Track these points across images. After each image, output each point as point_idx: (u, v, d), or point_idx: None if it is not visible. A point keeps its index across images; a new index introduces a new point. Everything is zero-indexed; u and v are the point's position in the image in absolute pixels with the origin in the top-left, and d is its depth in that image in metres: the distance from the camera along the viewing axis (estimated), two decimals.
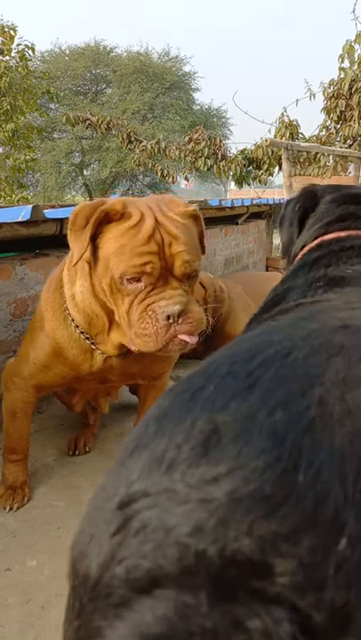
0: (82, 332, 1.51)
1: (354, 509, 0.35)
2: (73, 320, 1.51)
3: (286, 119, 7.33)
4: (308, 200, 1.34)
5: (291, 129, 7.31)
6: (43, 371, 1.61)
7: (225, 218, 4.91)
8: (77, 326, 1.51)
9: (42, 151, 18.89)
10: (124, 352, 1.52)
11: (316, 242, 1.18)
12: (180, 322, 1.30)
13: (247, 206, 5.37)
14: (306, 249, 1.19)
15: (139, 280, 1.29)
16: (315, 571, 0.33)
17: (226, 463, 0.37)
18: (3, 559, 1.45)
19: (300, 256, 1.19)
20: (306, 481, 0.35)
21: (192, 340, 1.32)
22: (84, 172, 21.69)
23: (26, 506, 1.70)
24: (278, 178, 7.45)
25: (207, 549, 0.34)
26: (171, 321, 1.29)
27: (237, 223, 5.15)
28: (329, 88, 7.45)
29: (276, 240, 8.34)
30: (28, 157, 10.51)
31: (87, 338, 1.52)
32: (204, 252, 1.52)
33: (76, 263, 1.34)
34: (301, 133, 7.45)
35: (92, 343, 1.52)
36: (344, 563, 0.33)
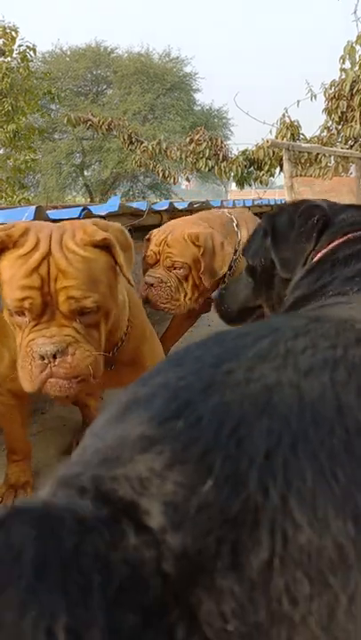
0: None
1: (223, 453, 0.36)
2: None
3: (287, 120, 7.35)
4: (324, 215, 1.26)
5: (292, 130, 7.32)
6: (12, 379, 1.50)
7: None
8: None
9: (43, 152, 18.91)
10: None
11: (344, 238, 1.14)
12: (55, 363, 1.22)
13: (248, 207, 5.38)
14: (334, 244, 1.15)
15: (24, 314, 1.24)
16: (177, 510, 0.34)
17: (129, 419, 0.41)
18: None
19: (321, 255, 1.14)
20: (184, 426, 0.38)
21: (69, 385, 1.24)
22: (85, 173, 21.72)
23: None
24: (279, 179, 7.47)
25: (86, 486, 0.36)
26: (46, 361, 1.22)
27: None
28: (330, 89, 7.46)
29: None
30: (28, 158, 10.52)
31: None
32: (130, 283, 1.42)
33: None
34: (303, 134, 7.47)
35: None
36: (206, 507, 0.34)
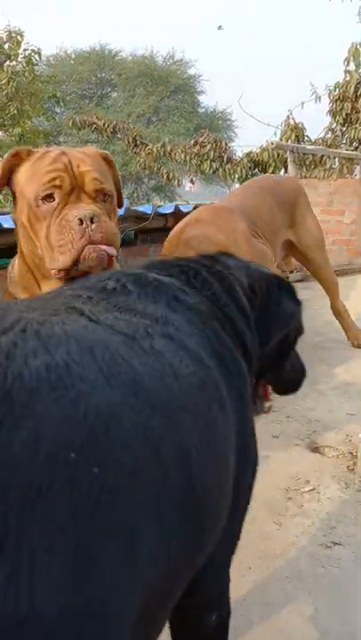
0: None
1: None
2: (14, 296, 1.54)
3: (292, 122, 7.35)
4: None
5: (296, 132, 7.32)
6: None
7: None
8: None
9: None
10: None
11: None
12: (93, 227, 1.31)
13: None
14: None
15: (52, 197, 1.33)
16: None
17: None
18: None
19: None
20: None
21: (110, 251, 1.33)
22: None
23: None
24: None
25: None
26: (84, 226, 1.30)
27: None
28: (335, 91, 7.46)
29: None
30: None
31: None
32: (121, 203, 1.56)
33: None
34: (307, 136, 7.47)
35: None
36: None
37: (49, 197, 1.33)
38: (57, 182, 1.33)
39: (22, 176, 1.39)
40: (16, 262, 1.54)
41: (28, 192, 1.35)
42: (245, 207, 2.77)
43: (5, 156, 1.41)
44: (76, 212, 1.32)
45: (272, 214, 2.93)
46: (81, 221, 1.30)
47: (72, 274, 1.34)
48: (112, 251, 1.35)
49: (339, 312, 3.40)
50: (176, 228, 2.50)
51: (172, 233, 2.49)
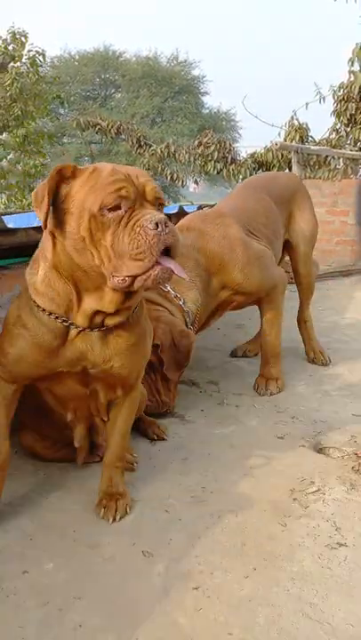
0: (50, 314, 1.52)
1: None
2: (38, 306, 1.53)
3: (296, 122, 7.34)
4: None
5: (300, 132, 7.32)
6: (18, 361, 1.58)
7: None
8: (44, 310, 1.52)
9: (51, 156, 19.00)
10: (98, 323, 1.53)
11: None
12: (167, 231, 1.37)
13: None
14: None
15: (118, 207, 1.37)
16: None
17: None
18: (20, 562, 1.46)
19: None
20: None
21: (177, 270, 1.39)
22: None
23: (42, 509, 1.71)
24: None
25: None
26: (160, 229, 1.35)
27: None
28: (339, 91, 7.45)
29: None
30: (37, 162, 10.58)
31: (57, 317, 1.52)
32: None
33: (46, 225, 1.41)
34: (311, 136, 7.46)
35: (64, 321, 1.52)
36: None
37: (116, 207, 1.37)
38: (123, 192, 1.37)
39: (79, 192, 1.40)
40: (41, 272, 1.53)
41: (92, 203, 1.38)
42: (241, 209, 2.73)
43: (50, 174, 1.41)
44: (149, 216, 1.37)
45: (270, 214, 2.86)
46: (157, 225, 1.36)
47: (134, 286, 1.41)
48: (180, 270, 1.41)
49: (305, 320, 3.18)
50: None
51: None
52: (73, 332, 1.54)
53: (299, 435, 2.22)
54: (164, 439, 2.18)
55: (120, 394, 1.73)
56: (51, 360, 1.57)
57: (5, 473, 1.67)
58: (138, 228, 1.36)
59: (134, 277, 1.40)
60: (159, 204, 1.47)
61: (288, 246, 3.09)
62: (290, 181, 3.22)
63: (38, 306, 1.53)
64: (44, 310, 1.52)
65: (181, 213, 3.36)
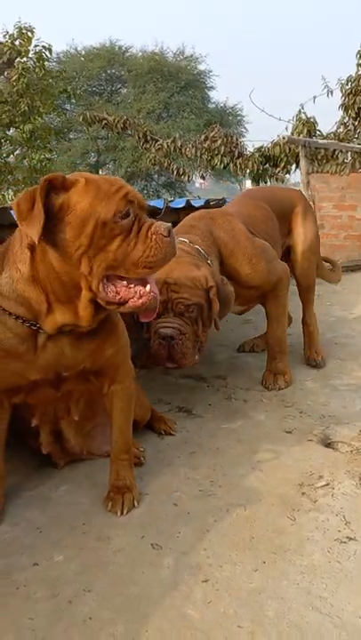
0: (17, 318, 1.48)
1: None
2: (4, 309, 1.49)
3: (304, 116, 7.27)
4: None
5: (308, 126, 7.25)
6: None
7: None
8: (11, 314, 1.48)
9: (58, 152, 19.00)
10: (67, 329, 1.51)
11: None
12: (174, 240, 1.49)
13: None
14: None
15: (128, 214, 1.41)
16: None
17: None
18: (30, 554, 1.47)
19: None
20: None
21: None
22: (100, 172, 21.76)
23: (52, 502, 1.72)
24: (295, 175, 7.41)
25: None
26: (170, 237, 1.45)
27: None
28: (347, 85, 7.37)
29: None
30: (43, 157, 10.56)
31: (24, 321, 1.48)
32: None
33: (40, 238, 1.36)
34: (319, 130, 7.39)
35: (32, 324, 1.49)
36: None
37: (126, 214, 1.40)
38: (130, 197, 1.42)
39: (79, 202, 1.38)
40: (6, 275, 1.48)
41: (102, 211, 1.38)
42: (242, 214, 2.73)
43: (40, 184, 1.36)
44: (160, 224, 1.44)
45: (270, 222, 2.87)
46: (170, 233, 1.44)
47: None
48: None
49: (307, 324, 3.08)
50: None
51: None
52: (42, 337, 1.51)
53: (307, 429, 2.21)
54: (171, 434, 2.18)
55: (105, 389, 1.72)
56: (22, 368, 1.53)
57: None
58: (154, 236, 1.42)
59: (127, 300, 1.45)
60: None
61: (288, 253, 3.06)
62: (290, 194, 3.24)
63: (4, 309, 1.49)
64: (10, 314, 1.48)
65: (189, 208, 3.35)
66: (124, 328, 1.75)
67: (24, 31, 9.80)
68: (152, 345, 2.14)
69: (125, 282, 1.46)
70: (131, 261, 1.41)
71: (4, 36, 9.67)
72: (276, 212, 2.93)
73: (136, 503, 1.69)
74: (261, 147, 7.55)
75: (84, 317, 1.47)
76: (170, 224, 1.46)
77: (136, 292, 1.46)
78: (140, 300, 1.47)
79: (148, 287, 1.48)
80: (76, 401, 1.78)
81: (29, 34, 9.84)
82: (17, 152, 11.38)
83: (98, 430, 1.93)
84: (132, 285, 1.47)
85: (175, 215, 3.28)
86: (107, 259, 1.40)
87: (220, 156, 7.72)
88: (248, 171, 7.63)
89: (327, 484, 1.80)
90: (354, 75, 7.36)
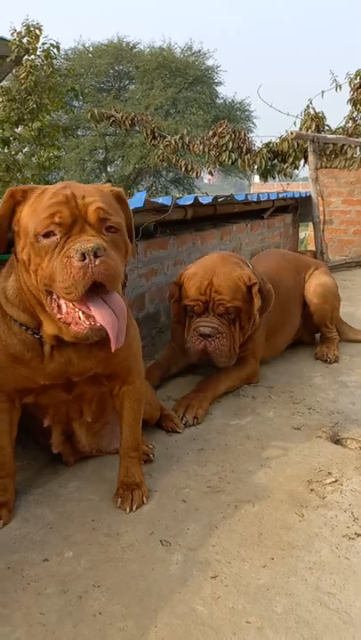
0: (21, 325, 1.47)
1: None
2: (10, 316, 1.48)
3: (312, 111, 7.23)
4: None
5: (316, 121, 7.20)
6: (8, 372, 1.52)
7: (250, 212, 4.88)
8: (16, 321, 1.47)
9: (66, 149, 19.03)
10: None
11: None
12: (97, 263, 1.22)
13: (273, 200, 5.33)
14: None
15: (53, 234, 1.27)
16: None
17: None
18: (40, 550, 1.49)
19: None
20: None
21: (110, 332, 1.28)
22: (108, 169, 21.78)
23: (61, 498, 1.74)
24: (304, 171, 7.37)
25: None
26: (86, 261, 1.22)
27: (263, 217, 5.12)
28: (355, 79, 7.31)
29: (302, 234, 8.26)
30: (51, 155, 10.57)
31: (27, 328, 1.46)
32: (132, 240, 1.48)
33: (2, 250, 1.36)
34: (327, 125, 7.33)
35: (35, 333, 1.46)
36: None
37: (49, 233, 1.28)
38: (56, 219, 1.27)
39: (24, 216, 1.35)
40: (12, 284, 1.47)
41: (29, 230, 1.32)
42: (264, 267, 2.80)
43: (4, 198, 1.36)
44: (79, 244, 1.23)
45: (291, 279, 2.96)
46: (83, 256, 1.22)
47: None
48: (113, 332, 1.28)
49: (326, 336, 3.13)
50: (190, 272, 2.45)
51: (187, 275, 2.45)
52: (47, 346, 1.48)
53: (315, 426, 2.21)
54: (177, 432, 2.18)
55: (110, 386, 1.70)
56: (30, 373, 1.51)
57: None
58: (65, 258, 1.24)
59: (69, 323, 1.33)
60: (108, 227, 1.33)
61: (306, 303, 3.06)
62: (309, 262, 3.30)
63: (10, 314, 1.48)
64: (15, 320, 1.47)
65: (197, 205, 3.35)
66: (136, 331, 1.73)
67: (32, 29, 9.80)
68: (190, 340, 2.35)
69: (75, 302, 1.30)
70: (56, 284, 1.28)
71: (12, 35, 9.67)
72: (296, 272, 3.10)
73: (145, 500, 1.70)
74: (270, 142, 7.52)
75: (62, 330, 1.38)
76: (93, 245, 1.23)
77: (74, 318, 1.32)
78: (75, 328, 1.33)
79: (83, 317, 1.30)
80: (88, 402, 1.77)
81: (37, 32, 9.84)
82: (25, 149, 11.41)
83: (107, 428, 1.94)
84: (77, 309, 1.32)
85: (182, 211, 3.28)
86: (43, 276, 1.31)
87: (228, 152, 7.70)
88: (256, 166, 7.60)
89: (336, 481, 1.80)
90: None
